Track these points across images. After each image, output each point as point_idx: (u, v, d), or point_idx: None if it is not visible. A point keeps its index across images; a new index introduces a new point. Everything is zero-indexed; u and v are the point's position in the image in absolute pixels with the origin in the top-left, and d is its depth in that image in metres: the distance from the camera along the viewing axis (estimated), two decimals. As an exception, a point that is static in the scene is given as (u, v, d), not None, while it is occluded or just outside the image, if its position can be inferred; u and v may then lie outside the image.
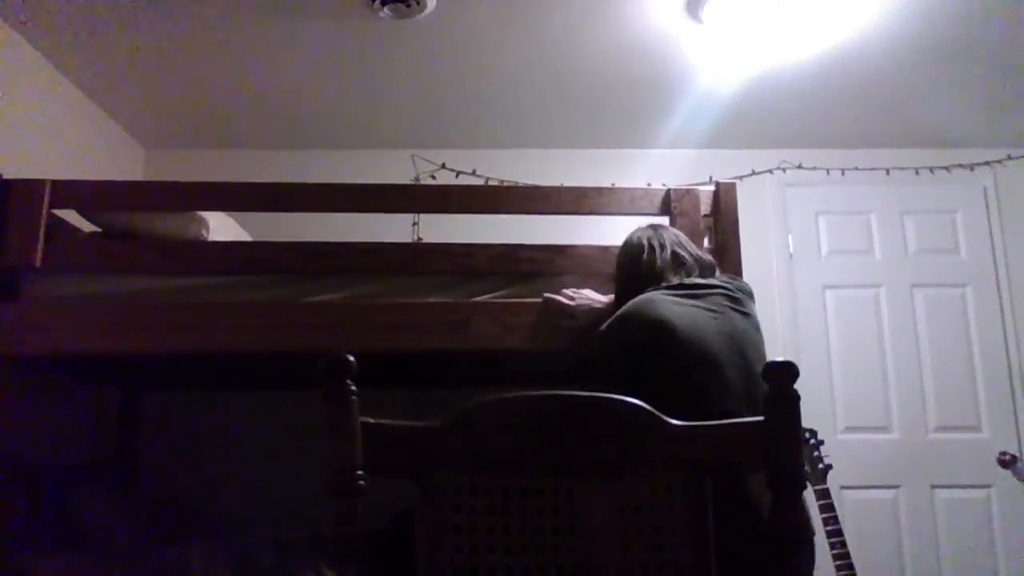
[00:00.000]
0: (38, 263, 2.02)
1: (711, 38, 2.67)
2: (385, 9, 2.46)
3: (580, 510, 1.02)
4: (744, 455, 1.06)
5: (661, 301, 1.71)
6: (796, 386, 1.03)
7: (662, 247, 1.87)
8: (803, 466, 1.04)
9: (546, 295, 2.07)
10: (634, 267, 1.87)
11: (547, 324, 2.05)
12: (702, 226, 2.20)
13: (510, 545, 1.01)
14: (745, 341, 1.70)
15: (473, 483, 1.01)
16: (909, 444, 3.28)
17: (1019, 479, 2.79)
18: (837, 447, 3.12)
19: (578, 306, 2.01)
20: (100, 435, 3.02)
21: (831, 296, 3.44)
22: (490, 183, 3.38)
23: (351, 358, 0.99)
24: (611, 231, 2.14)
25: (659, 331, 1.65)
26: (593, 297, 2.03)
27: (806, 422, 1.93)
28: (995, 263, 3.43)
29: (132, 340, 2.01)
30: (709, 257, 1.94)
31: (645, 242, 1.89)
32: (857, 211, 3.51)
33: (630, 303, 1.75)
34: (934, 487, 3.24)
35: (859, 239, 3.49)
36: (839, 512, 2.53)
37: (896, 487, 3.24)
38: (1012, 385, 3.32)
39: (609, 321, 1.75)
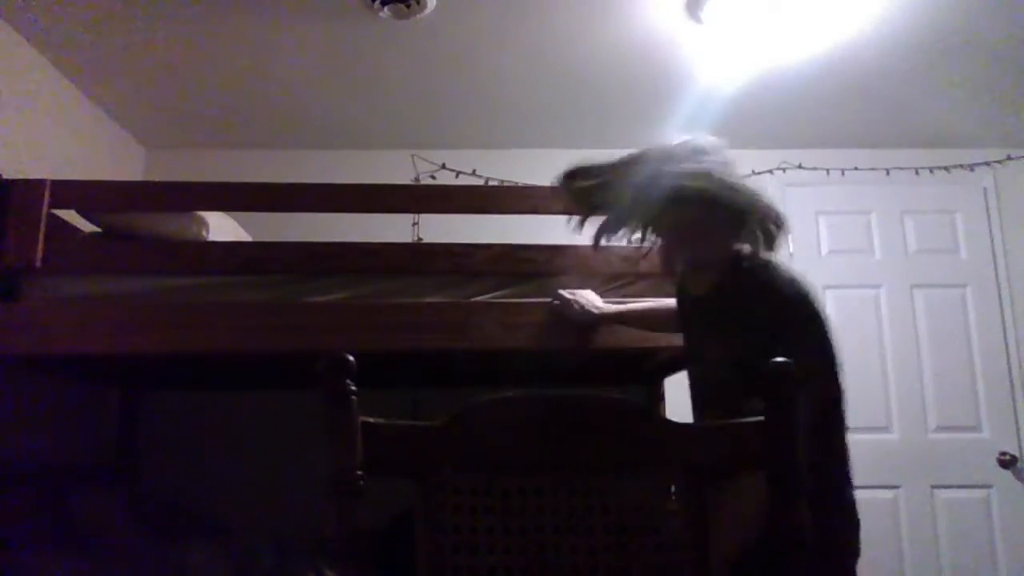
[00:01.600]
0: (38, 263, 2.02)
1: (711, 38, 2.67)
2: (385, 9, 2.46)
3: (580, 510, 1.02)
4: (744, 455, 1.06)
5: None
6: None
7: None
8: (803, 467, 1.04)
9: (559, 292, 2.05)
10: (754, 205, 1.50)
11: (564, 318, 2.02)
12: (702, 226, 2.19)
13: (510, 545, 1.01)
14: None
15: (473, 483, 1.01)
16: (909, 444, 3.28)
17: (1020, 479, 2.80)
18: (837, 447, 3.12)
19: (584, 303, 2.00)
20: (100, 435, 3.02)
21: (831, 296, 3.43)
22: (490, 183, 3.38)
23: (351, 358, 0.99)
24: (611, 231, 2.13)
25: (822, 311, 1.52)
26: (592, 300, 2.02)
27: (806, 422, 1.93)
28: (995, 263, 3.43)
29: (132, 340, 2.01)
30: None
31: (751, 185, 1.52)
32: (857, 211, 3.51)
33: (792, 277, 1.51)
34: (934, 487, 3.23)
35: (859, 239, 3.49)
36: (839, 512, 2.53)
37: (896, 487, 3.24)
38: (1012, 385, 3.32)
39: (792, 306, 1.50)
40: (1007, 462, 3.23)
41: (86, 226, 2.38)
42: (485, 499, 1.01)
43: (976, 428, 3.29)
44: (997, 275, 3.42)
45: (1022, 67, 2.86)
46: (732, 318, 1.51)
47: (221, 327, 2.03)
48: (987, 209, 3.49)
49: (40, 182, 2.09)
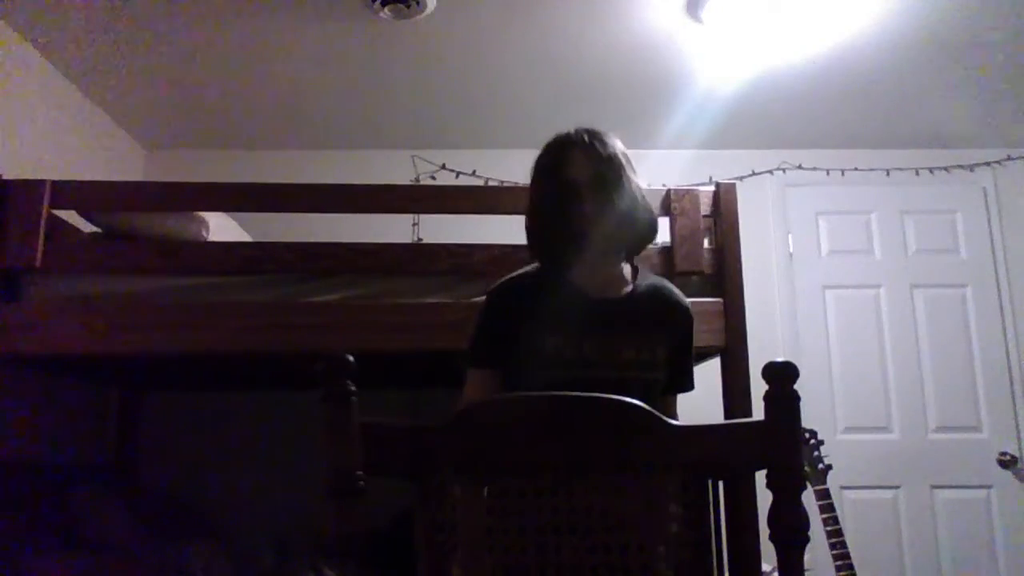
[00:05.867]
0: (38, 263, 2.02)
1: (711, 38, 2.67)
2: (385, 9, 2.46)
3: (580, 510, 1.02)
4: (744, 455, 1.06)
5: None
6: (796, 386, 1.03)
7: None
8: (803, 467, 1.04)
9: None
10: None
11: None
12: (702, 226, 2.20)
13: (510, 545, 1.01)
14: None
15: (473, 483, 1.01)
16: (909, 444, 3.28)
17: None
18: (837, 447, 3.12)
19: None
20: (100, 435, 3.02)
21: (831, 296, 3.44)
22: (490, 183, 3.38)
23: (351, 358, 0.99)
24: (611, 231, 2.13)
25: None
26: None
27: (806, 422, 1.93)
28: (995, 263, 3.43)
29: (132, 340, 2.01)
30: None
31: None
32: (857, 211, 3.51)
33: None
34: (934, 487, 3.24)
35: (859, 239, 3.49)
36: (839, 512, 2.53)
37: (896, 487, 3.24)
38: (1012, 385, 3.32)
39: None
40: (1007, 462, 3.23)
41: (86, 226, 2.38)
42: (485, 499, 1.01)
43: (976, 428, 3.29)
44: (997, 275, 3.42)
45: (1022, 67, 2.86)
46: (659, 321, 1.64)
47: (221, 327, 2.03)
48: (987, 209, 3.49)
49: (40, 182, 2.08)
